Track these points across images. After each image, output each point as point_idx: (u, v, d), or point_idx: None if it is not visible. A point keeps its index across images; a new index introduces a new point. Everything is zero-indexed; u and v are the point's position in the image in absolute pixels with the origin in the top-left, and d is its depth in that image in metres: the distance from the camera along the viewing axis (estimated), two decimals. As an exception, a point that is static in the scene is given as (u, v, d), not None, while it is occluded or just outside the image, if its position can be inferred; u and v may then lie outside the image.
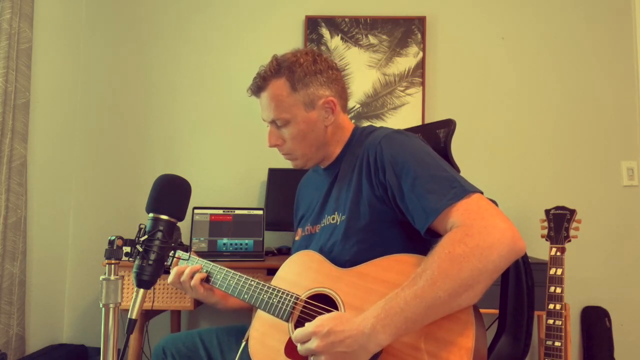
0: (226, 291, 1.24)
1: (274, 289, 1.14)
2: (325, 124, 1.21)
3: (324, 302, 1.07)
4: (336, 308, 1.04)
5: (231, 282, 1.23)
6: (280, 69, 1.18)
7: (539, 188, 2.51)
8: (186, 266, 1.29)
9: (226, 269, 1.27)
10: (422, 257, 0.98)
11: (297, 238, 1.30)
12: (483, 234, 0.89)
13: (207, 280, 1.29)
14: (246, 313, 1.39)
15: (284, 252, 2.29)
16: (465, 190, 0.96)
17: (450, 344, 0.89)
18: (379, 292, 0.97)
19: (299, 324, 1.07)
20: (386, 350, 0.92)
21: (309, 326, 0.94)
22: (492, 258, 0.87)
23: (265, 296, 1.14)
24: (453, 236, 0.91)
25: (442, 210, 0.96)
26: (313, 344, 0.91)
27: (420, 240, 1.09)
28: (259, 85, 1.20)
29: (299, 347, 0.95)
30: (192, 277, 1.27)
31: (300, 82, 1.17)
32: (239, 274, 1.23)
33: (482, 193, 0.98)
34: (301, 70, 1.18)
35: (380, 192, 1.08)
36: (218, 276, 1.27)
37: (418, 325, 0.89)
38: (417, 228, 1.02)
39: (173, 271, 1.30)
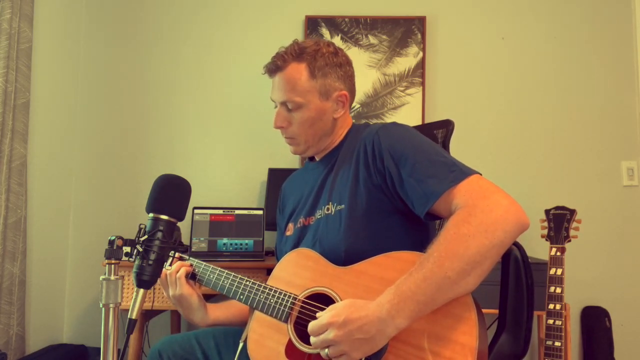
0: (220, 292, 1.20)
1: (270, 289, 1.12)
2: (334, 116, 1.22)
3: (322, 301, 1.06)
4: None
5: (225, 282, 1.20)
6: (303, 54, 1.19)
7: (539, 188, 2.51)
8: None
9: (219, 269, 1.23)
10: (421, 254, 0.98)
11: (288, 233, 1.29)
12: (486, 211, 0.91)
13: (193, 277, 1.25)
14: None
15: (284, 252, 2.29)
16: (464, 172, 0.98)
17: (454, 343, 0.89)
18: (379, 291, 0.96)
19: (298, 324, 1.07)
20: (390, 350, 0.93)
21: (323, 318, 0.93)
22: (498, 234, 0.89)
23: (262, 297, 1.12)
24: (457, 217, 0.93)
25: (442, 193, 0.97)
26: (330, 334, 0.91)
27: (418, 230, 1.11)
28: (278, 65, 1.20)
29: (313, 339, 0.94)
30: (178, 271, 1.24)
31: (320, 71, 1.18)
32: (233, 273, 1.20)
33: (480, 174, 1.00)
34: (323, 59, 1.19)
35: (379, 180, 1.09)
36: (211, 276, 1.23)
37: (430, 307, 0.90)
38: (417, 213, 1.04)
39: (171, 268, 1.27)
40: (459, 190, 0.96)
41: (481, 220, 0.90)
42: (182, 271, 1.24)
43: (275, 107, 1.24)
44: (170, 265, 1.27)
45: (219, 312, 1.31)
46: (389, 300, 0.90)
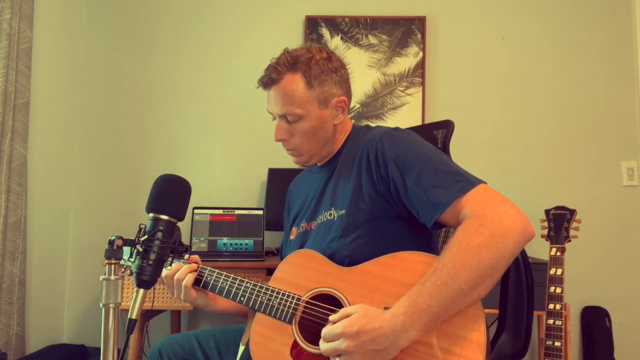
0: (219, 294, 1.19)
1: (273, 290, 1.11)
2: (334, 122, 1.21)
3: (327, 302, 1.05)
4: (340, 307, 1.03)
5: (224, 284, 1.18)
6: (296, 64, 1.16)
7: (539, 188, 2.51)
8: (181, 265, 1.23)
9: (217, 270, 1.22)
10: (426, 254, 0.99)
11: (292, 237, 1.29)
12: (496, 222, 0.91)
13: (197, 282, 1.22)
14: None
15: (284, 252, 2.29)
16: (470, 182, 0.99)
17: (462, 339, 0.90)
18: (385, 291, 0.97)
19: (303, 325, 1.06)
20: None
21: (337, 326, 0.92)
22: (508, 245, 0.90)
23: (264, 298, 1.11)
24: (468, 228, 0.93)
25: (450, 203, 0.98)
26: (343, 344, 0.90)
27: (420, 235, 1.10)
28: (272, 78, 1.16)
29: (324, 345, 0.93)
30: (183, 278, 1.21)
31: (316, 80, 1.16)
32: (233, 275, 1.19)
33: (486, 183, 1.00)
34: (317, 67, 1.16)
35: (382, 187, 1.08)
36: (209, 279, 1.21)
37: (443, 318, 0.91)
38: (422, 222, 1.04)
39: (171, 268, 1.24)
40: (467, 200, 0.96)
41: (492, 231, 0.90)
42: (189, 279, 1.20)
43: (274, 119, 1.22)
44: (170, 265, 1.27)
45: (226, 302, 1.28)
46: (404, 312, 0.89)
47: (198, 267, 1.24)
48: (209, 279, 1.21)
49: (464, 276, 0.89)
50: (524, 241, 0.92)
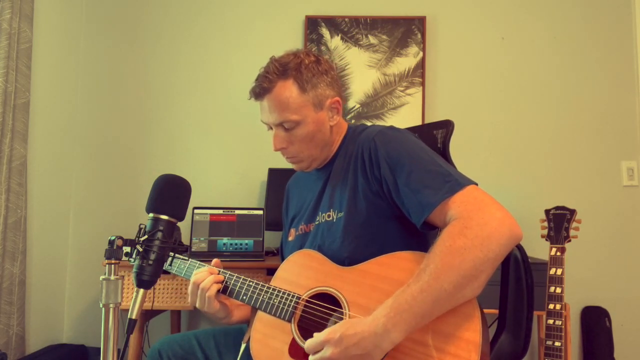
0: (222, 293, 1.19)
1: (274, 289, 1.13)
2: (330, 123, 1.21)
3: (326, 301, 1.06)
4: (339, 307, 1.04)
5: (227, 283, 1.19)
6: (286, 71, 1.15)
7: (539, 188, 2.51)
8: (207, 274, 1.19)
9: (221, 269, 1.22)
10: (423, 254, 0.99)
11: (290, 239, 1.29)
12: (481, 224, 0.91)
13: (224, 290, 1.19)
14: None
15: (284, 252, 2.29)
16: (459, 183, 0.98)
17: (457, 339, 0.90)
18: (383, 290, 0.97)
19: (302, 323, 1.07)
20: (395, 347, 0.93)
21: (319, 335, 0.94)
22: (492, 247, 0.89)
23: (265, 297, 1.13)
24: (452, 229, 0.92)
25: (437, 204, 0.97)
26: (327, 351, 0.91)
27: (418, 234, 1.11)
28: (264, 88, 1.15)
29: (311, 357, 0.95)
30: (209, 288, 1.16)
31: (309, 83, 1.16)
32: (236, 274, 1.20)
33: (476, 184, 0.99)
34: (308, 71, 1.16)
35: (376, 187, 1.09)
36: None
37: (427, 319, 0.91)
38: (413, 222, 1.04)
39: (193, 278, 1.19)
40: (454, 201, 0.96)
41: (476, 233, 0.90)
42: (213, 289, 1.16)
43: (269, 129, 1.21)
44: (171, 264, 1.27)
45: (241, 313, 1.26)
46: (385, 314, 0.90)
47: (224, 278, 1.19)
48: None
49: (446, 277, 0.89)
50: (509, 244, 0.91)
